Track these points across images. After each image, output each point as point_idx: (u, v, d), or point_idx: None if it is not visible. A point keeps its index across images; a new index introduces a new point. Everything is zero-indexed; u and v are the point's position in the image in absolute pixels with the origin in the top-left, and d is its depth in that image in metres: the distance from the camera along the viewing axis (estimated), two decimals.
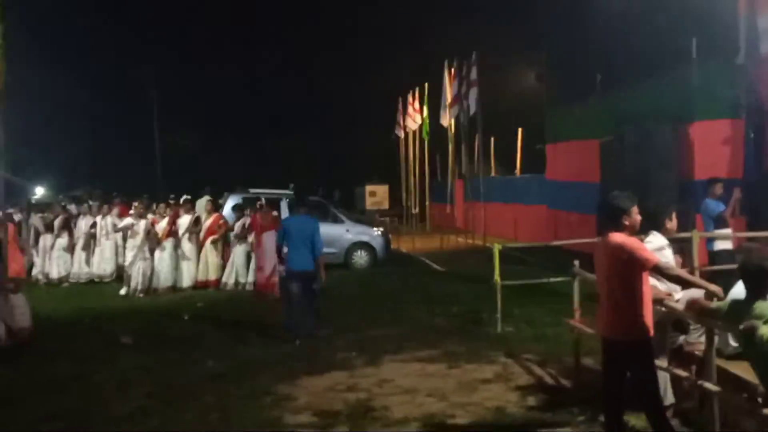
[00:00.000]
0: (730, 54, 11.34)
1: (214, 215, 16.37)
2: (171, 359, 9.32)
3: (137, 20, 47.47)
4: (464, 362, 8.63)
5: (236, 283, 15.56)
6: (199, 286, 15.62)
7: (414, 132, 32.13)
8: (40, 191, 38.41)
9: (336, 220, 18.52)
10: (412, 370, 8.41)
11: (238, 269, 15.63)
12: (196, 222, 15.99)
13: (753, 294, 5.12)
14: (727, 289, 5.93)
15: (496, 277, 10.29)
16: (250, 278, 15.43)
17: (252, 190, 18.65)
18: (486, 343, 9.56)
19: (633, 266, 5.26)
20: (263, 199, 16.95)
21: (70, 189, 34.25)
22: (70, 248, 16.77)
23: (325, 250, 17.42)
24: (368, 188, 37.29)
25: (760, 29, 10.42)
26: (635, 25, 15.11)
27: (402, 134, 34.05)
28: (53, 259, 16.65)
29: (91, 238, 16.83)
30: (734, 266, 7.49)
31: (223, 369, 8.72)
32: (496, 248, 10.49)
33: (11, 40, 10.21)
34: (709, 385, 5.41)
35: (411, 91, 31.56)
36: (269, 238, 14.38)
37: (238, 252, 15.73)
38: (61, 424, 6.94)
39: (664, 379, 6.02)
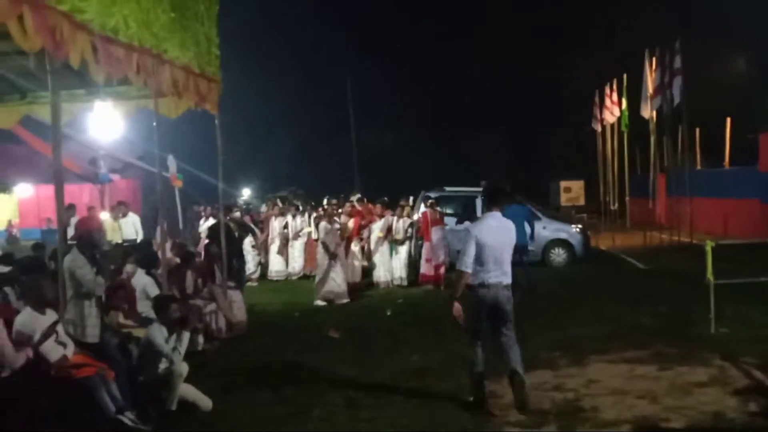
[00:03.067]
0: None
1: (355, 218, 16.65)
2: (376, 353, 9.61)
3: (333, 23, 49.35)
4: (676, 364, 8.25)
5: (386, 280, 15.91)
6: None
7: (612, 125, 31.08)
8: (246, 193, 40.85)
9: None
10: (620, 371, 8.15)
11: (385, 267, 15.95)
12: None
13: None
14: None
15: (709, 275, 9.75)
16: (402, 273, 15.87)
17: (447, 189, 18.83)
18: (698, 344, 9.08)
19: None
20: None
21: (274, 190, 36.22)
22: (259, 247, 17.53)
23: None
24: (563, 184, 36.61)
25: None
26: None
27: (599, 128, 33.04)
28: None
29: (285, 238, 17.60)
30: None
31: (427, 364, 8.88)
32: (709, 245, 9.93)
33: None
34: None
35: (609, 83, 30.54)
36: (437, 233, 15.59)
37: (383, 251, 16.02)
38: (287, 408, 7.38)
39: None
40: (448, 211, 18.06)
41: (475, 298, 6.97)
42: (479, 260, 6.90)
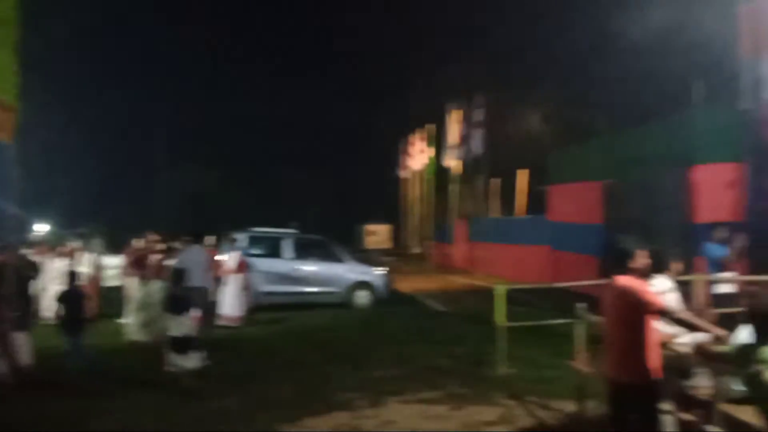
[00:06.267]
0: (733, 98, 11.42)
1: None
2: (175, 398, 9.25)
3: (143, 60, 48.02)
4: (467, 404, 8.58)
5: None
6: None
7: (417, 172, 32.24)
8: (44, 228, 38.38)
9: (337, 259, 18.52)
10: (415, 412, 8.36)
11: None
12: None
13: (760, 338, 5.11)
14: (730, 333, 5.92)
15: (499, 318, 10.26)
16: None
17: (255, 229, 18.66)
18: (489, 384, 9.51)
19: (639, 309, 5.25)
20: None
21: (75, 226, 34.32)
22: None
23: (326, 289, 17.90)
24: (368, 227, 37.38)
25: (762, 74, 10.50)
26: (641, 68, 15.27)
27: (405, 174, 34.18)
28: None
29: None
30: (736, 310, 7.52)
31: (226, 406, 8.66)
32: (499, 289, 10.48)
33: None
34: (715, 429, 5.38)
35: (416, 132, 31.76)
36: (237, 281, 15.15)
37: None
38: None
39: (669, 423, 5.99)
40: (256, 251, 17.90)
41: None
42: (186, 274, 10.80)
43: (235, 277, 15.33)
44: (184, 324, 9.86)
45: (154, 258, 14.33)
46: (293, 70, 47.64)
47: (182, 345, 9.73)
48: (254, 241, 18.10)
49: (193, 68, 48.19)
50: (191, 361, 9.74)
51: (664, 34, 16.92)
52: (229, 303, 15.15)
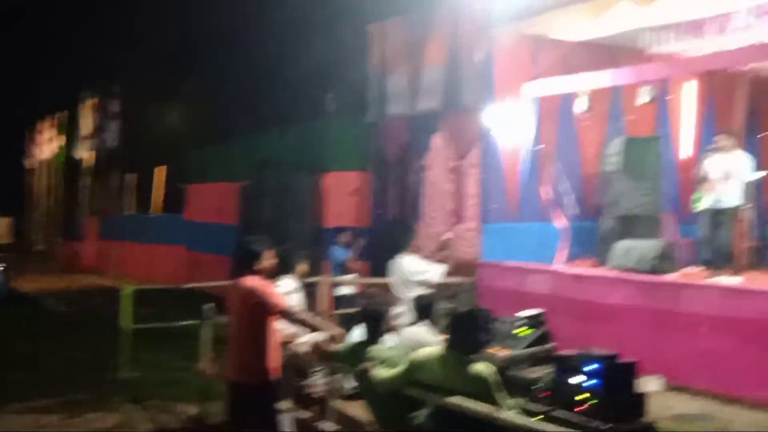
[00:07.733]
0: (362, 111, 12.19)
1: None
2: None
3: None
4: (85, 411, 8.11)
5: None
6: None
7: (46, 163, 30.01)
8: None
9: None
10: (25, 423, 7.71)
11: None
12: None
13: (370, 337, 5.45)
14: (349, 332, 6.25)
15: (124, 320, 9.85)
16: None
17: None
18: (110, 390, 9.08)
19: (262, 310, 5.31)
20: None
21: None
22: None
23: None
24: None
25: (387, 91, 11.34)
26: (277, 75, 15.75)
27: (32, 164, 31.65)
28: None
29: None
30: (355, 310, 8.02)
31: None
32: (126, 290, 10.08)
33: None
34: (328, 425, 5.63)
35: (45, 119, 29.52)
36: None
37: None
38: None
39: (287, 421, 6.14)
40: None
41: None
42: None
43: None
44: None
45: None
46: None
47: None
48: None
49: None
50: None
51: (307, 43, 17.62)
52: None
